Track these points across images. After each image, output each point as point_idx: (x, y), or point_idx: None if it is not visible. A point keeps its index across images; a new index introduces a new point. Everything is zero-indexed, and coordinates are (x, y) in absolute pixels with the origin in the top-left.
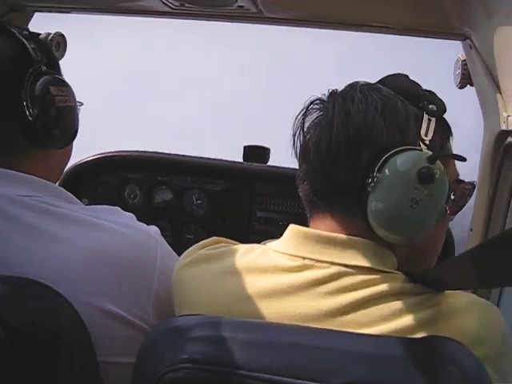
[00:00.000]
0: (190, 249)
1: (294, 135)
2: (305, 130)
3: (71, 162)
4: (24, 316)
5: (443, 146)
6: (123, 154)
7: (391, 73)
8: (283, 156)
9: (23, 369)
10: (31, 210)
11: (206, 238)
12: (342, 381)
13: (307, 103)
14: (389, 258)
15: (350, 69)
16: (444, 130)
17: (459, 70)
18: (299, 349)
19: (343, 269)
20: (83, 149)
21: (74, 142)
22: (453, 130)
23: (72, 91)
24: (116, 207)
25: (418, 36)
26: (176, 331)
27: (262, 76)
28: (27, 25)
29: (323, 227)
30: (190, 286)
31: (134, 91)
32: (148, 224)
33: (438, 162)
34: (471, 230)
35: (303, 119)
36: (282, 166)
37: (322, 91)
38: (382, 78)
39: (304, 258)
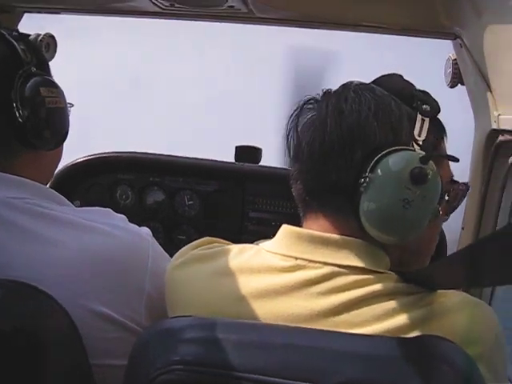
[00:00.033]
0: (182, 249)
1: (287, 135)
2: (298, 129)
3: (62, 164)
4: (13, 319)
5: (437, 147)
6: (114, 154)
7: (382, 72)
8: (275, 156)
9: (13, 372)
10: (22, 212)
11: (199, 239)
12: (335, 381)
13: (301, 103)
14: (382, 258)
15: (342, 69)
16: (438, 131)
17: (450, 69)
18: (292, 349)
19: (336, 269)
20: (75, 150)
21: (65, 143)
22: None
23: (62, 92)
24: (107, 209)
25: (409, 35)
26: (168, 333)
27: (252, 76)
28: (17, 26)
29: (316, 227)
30: (183, 286)
31: (123, 92)
32: (140, 225)
33: (430, 162)
34: (463, 228)
35: (297, 119)
36: (274, 166)
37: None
38: (376, 78)
39: (297, 258)
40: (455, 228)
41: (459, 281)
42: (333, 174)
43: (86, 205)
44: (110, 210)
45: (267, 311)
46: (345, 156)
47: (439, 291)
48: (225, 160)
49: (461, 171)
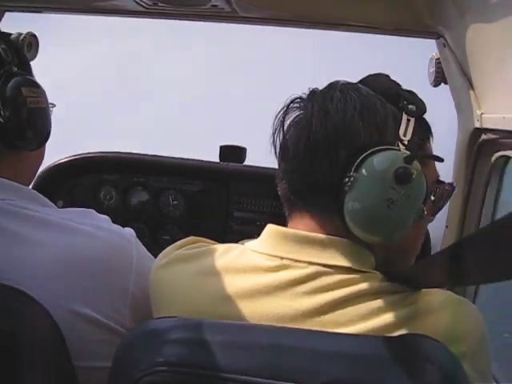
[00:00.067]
0: (167, 249)
1: (273, 134)
2: (284, 128)
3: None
4: None
5: (422, 147)
6: (98, 155)
7: (366, 71)
8: (260, 156)
9: None
10: (4, 213)
11: (183, 239)
12: (320, 381)
13: (287, 102)
14: (367, 258)
15: (327, 68)
16: (423, 131)
17: (433, 69)
18: (277, 349)
19: (321, 268)
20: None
21: (47, 144)
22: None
23: (44, 92)
24: (90, 210)
25: (392, 34)
26: (152, 334)
27: (237, 76)
28: None
29: (301, 226)
30: (168, 286)
31: (109, 92)
32: (125, 225)
33: (415, 162)
34: (447, 227)
35: (283, 118)
36: (259, 165)
37: (299, 91)
38: (363, 78)
39: (282, 258)
40: (439, 226)
41: (444, 279)
42: (318, 173)
43: (69, 205)
44: (93, 210)
45: (252, 311)
46: (330, 155)
47: (424, 290)
48: (209, 160)
49: (446, 171)
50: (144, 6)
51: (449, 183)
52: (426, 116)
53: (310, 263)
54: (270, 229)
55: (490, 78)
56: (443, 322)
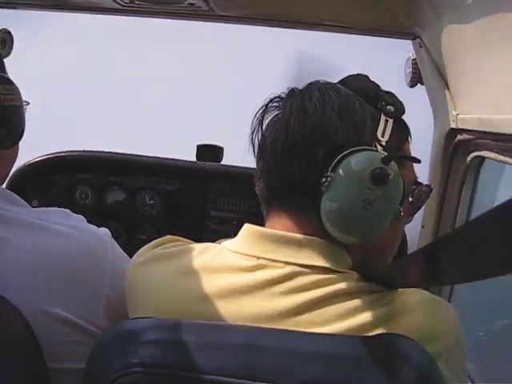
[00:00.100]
0: (143, 248)
1: (252, 133)
2: (263, 127)
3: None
4: None
5: (400, 148)
6: (74, 154)
7: (343, 72)
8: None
9: None
10: None
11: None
12: (297, 381)
13: (267, 101)
14: (343, 258)
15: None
16: (401, 132)
17: (410, 69)
18: (253, 350)
19: (298, 268)
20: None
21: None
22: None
23: (18, 90)
24: (65, 209)
25: (369, 35)
26: (126, 335)
27: (215, 75)
28: None
29: (279, 226)
30: (144, 285)
31: (85, 91)
32: (101, 225)
33: (392, 163)
34: (422, 226)
35: (262, 117)
36: (236, 165)
37: (276, 90)
38: (343, 78)
39: (258, 258)
40: (415, 226)
41: (419, 279)
42: (295, 173)
43: (44, 205)
44: (67, 210)
45: (229, 311)
46: (307, 155)
47: (400, 290)
48: (186, 159)
49: (424, 172)
50: (120, 4)
51: (426, 185)
52: (404, 117)
53: (287, 263)
54: (247, 228)
55: (466, 79)
56: (419, 321)
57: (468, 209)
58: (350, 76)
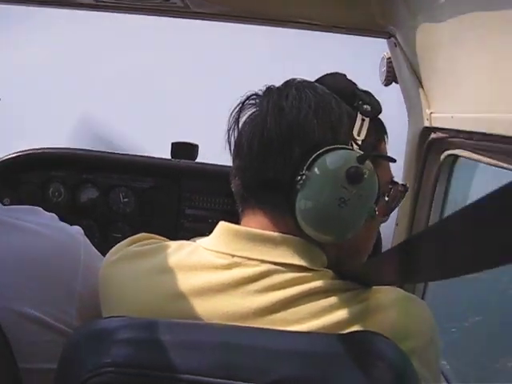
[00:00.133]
0: (117, 245)
1: (228, 131)
2: (239, 125)
3: None
4: None
5: (376, 147)
6: (46, 151)
7: (318, 70)
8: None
9: None
10: None
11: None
12: (271, 379)
13: (243, 98)
14: (319, 256)
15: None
16: (378, 131)
17: (384, 68)
18: (227, 348)
19: (273, 267)
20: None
21: None
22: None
23: None
24: (37, 207)
25: (344, 33)
26: (99, 334)
27: (189, 73)
28: None
29: (254, 224)
30: (118, 283)
31: (57, 88)
32: (74, 223)
33: (368, 162)
34: (397, 224)
35: (238, 115)
36: (211, 162)
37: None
38: (320, 77)
39: (233, 256)
40: (389, 224)
41: (394, 277)
42: (270, 171)
43: (16, 203)
44: (39, 208)
45: (205, 309)
46: (283, 153)
47: (375, 287)
48: (161, 156)
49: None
50: None
51: (402, 184)
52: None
53: (262, 261)
54: (222, 226)
55: (440, 78)
56: (393, 319)
57: (441, 207)
58: (327, 74)
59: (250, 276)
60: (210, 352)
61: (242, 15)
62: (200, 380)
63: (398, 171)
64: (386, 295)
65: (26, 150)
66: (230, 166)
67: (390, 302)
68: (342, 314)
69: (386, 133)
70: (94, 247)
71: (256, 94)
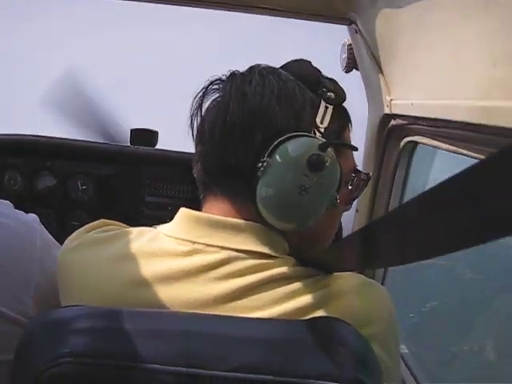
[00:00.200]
0: (75, 232)
1: (191, 116)
2: (202, 110)
3: None
4: None
5: (340, 135)
6: (1, 137)
7: (279, 57)
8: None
9: None
10: None
11: None
12: (231, 366)
13: (207, 83)
14: (280, 243)
15: (242, 52)
16: (342, 119)
17: (345, 55)
18: (187, 336)
19: (233, 253)
20: None
21: None
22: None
23: None
24: None
25: (305, 19)
26: (57, 323)
27: (151, 60)
28: None
29: (216, 211)
30: (77, 271)
31: (8, 73)
32: (31, 211)
33: (329, 150)
34: (357, 210)
35: (201, 100)
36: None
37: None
38: (285, 63)
39: (194, 243)
40: (350, 210)
41: (354, 263)
42: (232, 157)
43: None
44: None
45: (166, 296)
46: (245, 139)
47: (336, 274)
48: (119, 143)
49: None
50: None
51: (365, 173)
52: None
53: (223, 248)
54: (183, 213)
55: (400, 64)
56: (354, 304)
57: (401, 193)
58: (292, 61)
59: (210, 263)
60: (170, 340)
61: (202, 0)
62: (160, 369)
63: (360, 158)
64: (347, 281)
65: None
66: (190, 153)
67: (350, 288)
68: (303, 300)
69: (350, 121)
70: (50, 235)
71: (220, 79)
